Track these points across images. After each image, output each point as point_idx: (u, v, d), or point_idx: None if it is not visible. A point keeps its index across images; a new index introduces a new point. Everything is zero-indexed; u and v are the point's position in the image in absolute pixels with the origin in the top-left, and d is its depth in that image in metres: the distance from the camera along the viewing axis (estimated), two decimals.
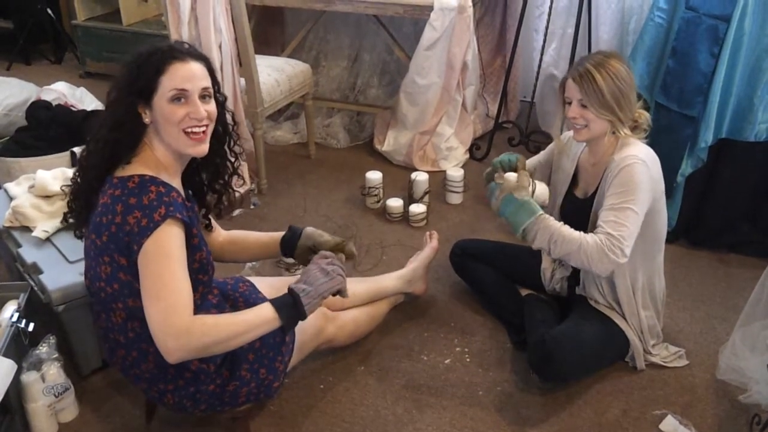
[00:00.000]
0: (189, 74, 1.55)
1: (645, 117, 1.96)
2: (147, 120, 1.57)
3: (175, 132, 1.56)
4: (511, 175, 1.99)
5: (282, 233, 1.97)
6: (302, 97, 3.33)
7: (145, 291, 1.50)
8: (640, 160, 1.86)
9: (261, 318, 1.58)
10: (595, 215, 1.94)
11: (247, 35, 2.86)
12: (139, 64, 1.55)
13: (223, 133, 1.72)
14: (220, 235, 1.96)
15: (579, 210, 2.02)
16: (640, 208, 1.85)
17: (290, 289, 1.64)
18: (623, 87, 1.87)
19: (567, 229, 1.88)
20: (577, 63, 1.94)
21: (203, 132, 1.59)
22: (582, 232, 1.87)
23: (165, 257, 1.49)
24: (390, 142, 3.41)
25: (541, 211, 1.92)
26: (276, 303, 1.61)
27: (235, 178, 1.82)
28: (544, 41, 3.39)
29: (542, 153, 2.26)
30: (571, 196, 2.09)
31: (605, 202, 1.88)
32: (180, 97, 1.55)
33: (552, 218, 1.92)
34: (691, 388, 2.05)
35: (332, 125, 3.75)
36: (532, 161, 2.22)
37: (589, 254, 1.83)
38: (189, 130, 1.57)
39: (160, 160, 1.60)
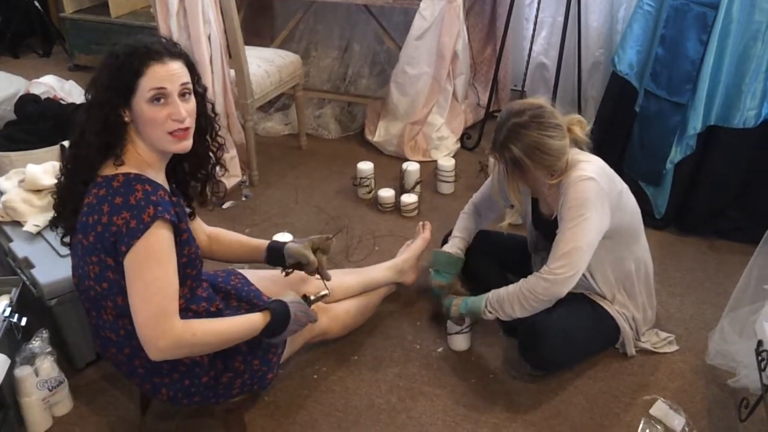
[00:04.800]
0: (167, 74, 1.52)
1: (579, 128, 1.90)
2: (127, 119, 1.55)
3: (158, 133, 1.55)
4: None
5: (267, 242, 2.00)
6: (293, 88, 3.32)
7: (134, 293, 1.49)
8: (587, 178, 1.84)
9: (254, 325, 1.65)
10: None
11: (236, 26, 2.84)
12: (118, 66, 1.51)
13: (204, 124, 1.70)
14: (204, 231, 1.94)
15: (549, 229, 2.04)
16: (591, 222, 1.84)
17: (288, 309, 1.71)
18: (536, 142, 1.81)
19: (510, 286, 1.95)
20: (494, 142, 1.89)
21: (186, 130, 1.58)
22: (522, 279, 1.94)
23: (156, 261, 1.49)
24: (381, 133, 3.41)
25: (486, 296, 2.00)
26: (273, 310, 1.68)
27: (218, 168, 1.80)
28: (534, 30, 3.39)
29: (484, 185, 2.28)
30: (539, 214, 2.10)
31: (559, 222, 1.90)
32: (159, 97, 1.52)
33: (495, 291, 1.98)
34: (680, 373, 2.08)
35: (323, 116, 3.74)
36: (476, 197, 2.30)
37: (530, 289, 1.89)
38: (172, 131, 1.55)
39: (143, 157, 1.58)
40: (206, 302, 1.72)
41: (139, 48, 1.52)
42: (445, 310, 2.14)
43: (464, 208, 2.33)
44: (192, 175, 1.76)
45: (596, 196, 1.84)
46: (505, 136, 1.84)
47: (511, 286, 1.95)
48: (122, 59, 1.52)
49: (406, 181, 2.99)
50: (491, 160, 2.97)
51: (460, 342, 2.17)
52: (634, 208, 2.03)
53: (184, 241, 1.61)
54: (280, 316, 1.68)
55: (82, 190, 1.58)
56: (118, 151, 1.55)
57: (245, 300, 1.85)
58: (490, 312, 1.98)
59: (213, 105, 1.74)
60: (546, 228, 2.05)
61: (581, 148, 1.93)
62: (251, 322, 1.64)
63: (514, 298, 1.92)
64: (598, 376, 2.07)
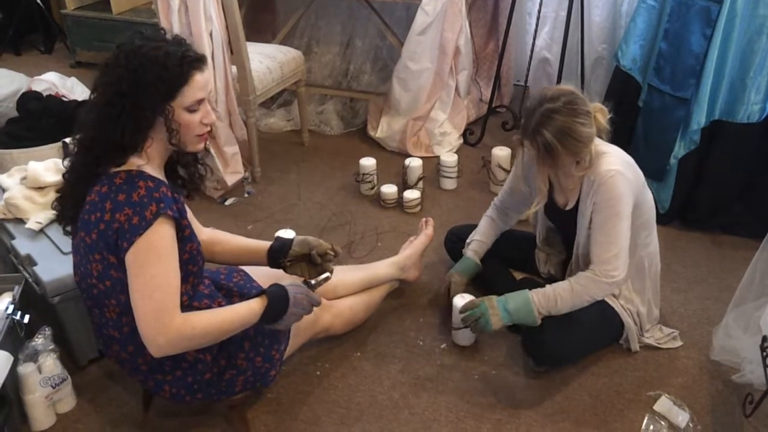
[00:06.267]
0: (204, 83, 1.57)
1: (602, 116, 1.91)
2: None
3: (190, 137, 1.59)
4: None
5: (269, 243, 1.97)
6: (295, 84, 3.32)
7: (135, 290, 1.50)
8: (615, 172, 1.86)
9: (252, 311, 1.63)
10: (582, 226, 1.98)
11: (237, 22, 2.84)
12: (166, 68, 1.49)
13: None
14: (202, 232, 1.92)
15: (565, 219, 2.04)
16: (627, 217, 1.88)
17: (286, 291, 1.69)
18: (569, 128, 1.81)
19: (559, 287, 1.93)
20: (525, 127, 1.88)
21: (210, 131, 1.65)
22: (571, 278, 1.93)
23: (157, 257, 1.49)
24: (383, 129, 3.40)
25: (528, 293, 1.94)
26: (270, 294, 1.66)
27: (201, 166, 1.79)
28: (537, 24, 3.38)
29: (507, 182, 2.27)
30: (553, 204, 2.09)
31: (594, 220, 1.91)
32: (196, 105, 1.56)
33: (540, 289, 1.95)
34: (684, 369, 2.07)
35: (325, 112, 3.74)
36: (501, 195, 2.27)
37: (586, 291, 1.91)
38: (201, 134, 1.60)
39: (149, 154, 1.58)
40: (209, 299, 1.72)
41: (186, 56, 1.53)
42: (462, 316, 2.06)
43: (487, 211, 2.32)
44: (180, 161, 1.73)
45: (626, 189, 1.87)
46: (537, 121, 1.83)
47: (558, 288, 1.93)
48: (175, 62, 1.50)
49: (408, 177, 2.99)
50: (492, 156, 2.96)
51: (465, 337, 2.16)
52: (651, 200, 2.04)
53: (186, 237, 1.61)
54: (277, 299, 1.66)
55: (91, 181, 1.57)
56: (139, 149, 1.56)
57: (248, 296, 1.84)
58: (542, 319, 1.96)
59: None
60: (559, 218, 2.05)
61: (601, 137, 1.94)
62: (249, 308, 1.63)
63: (567, 300, 1.91)
64: (602, 372, 2.07)
